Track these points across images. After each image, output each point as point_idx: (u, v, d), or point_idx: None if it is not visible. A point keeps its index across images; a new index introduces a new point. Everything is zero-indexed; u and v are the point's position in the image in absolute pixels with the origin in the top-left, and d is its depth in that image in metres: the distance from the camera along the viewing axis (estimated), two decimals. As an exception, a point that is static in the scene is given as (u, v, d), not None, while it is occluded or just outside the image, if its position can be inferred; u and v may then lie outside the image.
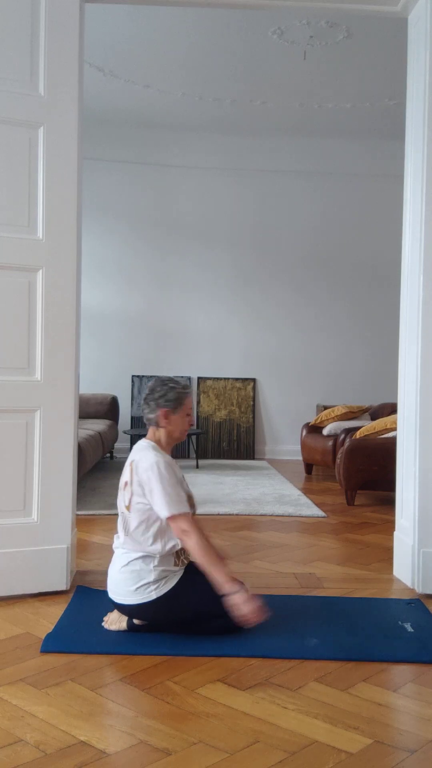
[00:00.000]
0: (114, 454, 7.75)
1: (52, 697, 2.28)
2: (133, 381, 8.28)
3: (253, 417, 8.38)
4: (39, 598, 3.22)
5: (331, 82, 6.45)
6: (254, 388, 8.41)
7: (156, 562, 2.75)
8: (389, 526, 4.55)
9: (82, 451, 5.16)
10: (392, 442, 4.29)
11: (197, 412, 8.32)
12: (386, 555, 3.99)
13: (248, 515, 5.09)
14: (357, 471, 5.48)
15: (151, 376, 8.04)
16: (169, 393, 2.85)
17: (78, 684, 2.37)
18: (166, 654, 2.61)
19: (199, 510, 3.09)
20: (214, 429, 8.33)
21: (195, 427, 8.20)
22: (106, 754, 1.95)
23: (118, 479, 2.99)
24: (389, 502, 5.35)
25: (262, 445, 8.44)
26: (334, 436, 6.58)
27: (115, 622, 2.83)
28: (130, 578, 2.75)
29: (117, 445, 7.79)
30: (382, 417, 6.57)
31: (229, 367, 8.43)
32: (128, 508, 2.78)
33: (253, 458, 8.26)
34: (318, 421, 7.14)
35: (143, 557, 2.75)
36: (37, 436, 3.27)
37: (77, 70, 3.34)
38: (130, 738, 2.04)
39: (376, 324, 8.29)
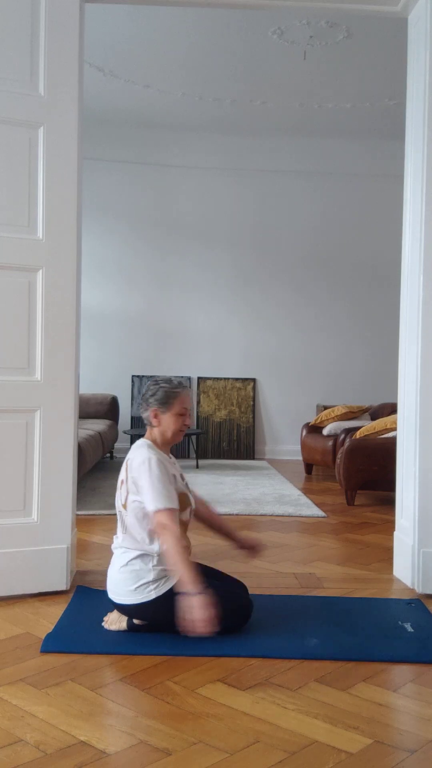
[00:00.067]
0: (114, 454, 7.75)
1: (52, 697, 2.28)
2: (133, 381, 8.29)
3: (253, 417, 8.38)
4: (39, 598, 3.22)
5: (331, 82, 6.45)
6: (254, 388, 8.42)
7: (155, 562, 2.75)
8: (389, 526, 4.55)
9: (82, 451, 5.16)
10: (392, 442, 4.29)
11: (197, 412, 8.32)
12: (386, 555, 3.99)
13: (248, 515, 5.09)
14: (357, 471, 5.48)
15: (151, 376, 8.04)
16: (158, 392, 2.85)
17: (78, 684, 2.37)
18: (166, 654, 2.61)
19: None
20: (214, 429, 8.33)
21: (195, 427, 8.20)
22: (106, 754, 1.95)
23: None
24: (389, 502, 5.35)
25: (262, 445, 8.44)
26: (334, 436, 6.59)
27: (115, 622, 2.83)
28: (130, 578, 2.75)
29: (117, 445, 7.79)
30: (382, 417, 6.57)
31: (229, 367, 8.43)
32: (125, 506, 2.79)
33: (253, 458, 8.27)
34: (318, 421, 7.14)
35: (142, 556, 2.75)
36: (37, 436, 3.27)
37: (77, 70, 3.35)
38: (130, 738, 2.04)
39: (376, 324, 8.29)
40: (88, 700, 2.27)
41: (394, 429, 5.43)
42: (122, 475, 2.84)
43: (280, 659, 2.59)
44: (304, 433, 7.16)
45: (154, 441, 2.87)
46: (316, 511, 5.22)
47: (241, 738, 2.05)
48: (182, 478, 2.95)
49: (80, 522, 4.39)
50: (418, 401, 3.45)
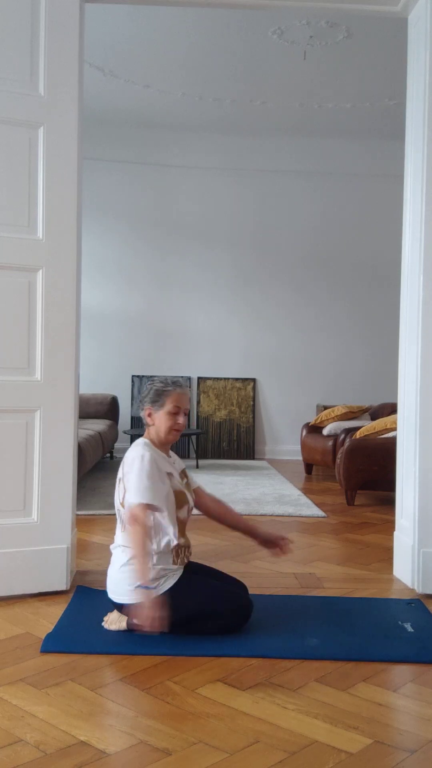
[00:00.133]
0: (114, 454, 7.75)
1: (52, 697, 2.28)
2: (133, 381, 8.29)
3: (253, 417, 8.38)
4: (39, 598, 3.22)
5: (331, 82, 6.45)
6: (254, 388, 8.41)
7: (154, 561, 2.75)
8: (389, 526, 4.55)
9: (82, 451, 5.16)
10: (392, 442, 4.29)
11: (197, 412, 8.32)
12: (386, 555, 3.99)
13: (248, 515, 5.08)
14: (357, 471, 5.48)
15: (151, 376, 8.03)
16: (151, 391, 2.87)
17: (78, 684, 2.37)
18: (166, 654, 2.61)
19: (197, 511, 3.08)
20: (214, 429, 8.33)
21: (195, 427, 8.21)
22: (106, 754, 1.95)
23: (118, 479, 3.00)
24: (389, 502, 5.35)
25: (262, 445, 8.44)
26: (334, 436, 6.58)
27: (115, 622, 2.83)
28: (130, 577, 2.74)
29: (117, 445, 7.79)
30: (382, 417, 6.57)
31: (229, 367, 8.43)
32: (122, 504, 2.80)
33: (253, 458, 8.27)
34: (318, 421, 7.14)
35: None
36: (37, 436, 3.27)
37: (77, 70, 3.35)
38: (130, 738, 2.04)
39: (376, 324, 8.29)
40: (88, 700, 2.27)
41: (394, 429, 5.43)
42: (120, 474, 2.85)
43: (280, 659, 2.59)
44: (304, 433, 7.16)
45: (151, 440, 2.88)
46: (316, 511, 5.22)
47: (241, 738, 2.05)
48: (183, 477, 2.95)
49: (80, 522, 4.39)
50: (418, 401, 3.45)
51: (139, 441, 2.87)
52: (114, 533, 2.92)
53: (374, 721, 2.16)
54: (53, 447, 3.30)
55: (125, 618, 2.81)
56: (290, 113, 7.19)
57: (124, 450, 2.99)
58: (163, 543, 2.75)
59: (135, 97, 6.89)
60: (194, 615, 2.75)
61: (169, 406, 2.83)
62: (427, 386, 3.43)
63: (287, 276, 8.41)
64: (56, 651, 2.63)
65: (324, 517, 5.08)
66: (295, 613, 3.07)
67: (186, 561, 2.87)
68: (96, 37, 5.38)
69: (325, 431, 6.89)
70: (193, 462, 7.60)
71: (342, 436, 6.22)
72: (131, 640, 2.72)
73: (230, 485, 6.28)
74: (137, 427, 7.78)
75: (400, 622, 2.98)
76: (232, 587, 2.94)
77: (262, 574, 3.64)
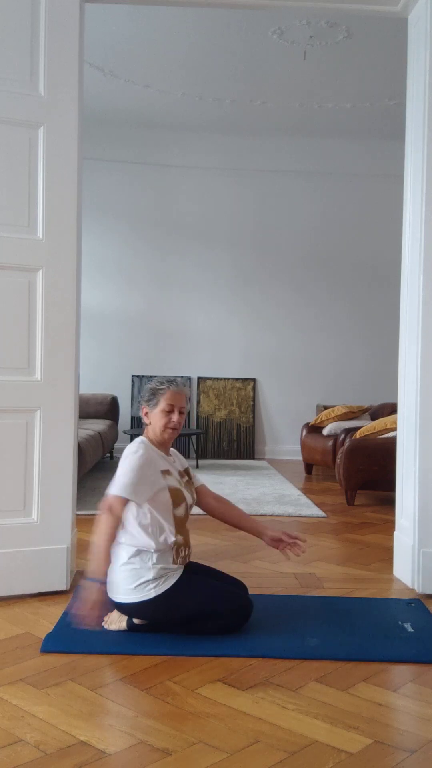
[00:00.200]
0: (114, 454, 7.75)
1: (52, 697, 2.28)
2: (133, 381, 8.29)
3: (253, 417, 8.38)
4: (39, 598, 3.22)
5: (331, 82, 6.45)
6: (254, 388, 8.41)
7: (154, 560, 2.75)
8: (389, 526, 4.55)
9: (82, 451, 5.16)
10: (392, 442, 4.29)
11: (197, 412, 8.32)
12: (386, 555, 3.99)
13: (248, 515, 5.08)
14: (357, 471, 5.48)
15: (151, 376, 8.04)
16: (147, 390, 2.90)
17: (78, 684, 2.37)
18: (166, 654, 2.61)
19: (198, 510, 3.08)
20: (214, 429, 8.33)
21: (195, 427, 8.21)
22: (106, 754, 1.95)
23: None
24: (389, 502, 5.35)
25: (262, 445, 8.44)
26: (334, 436, 6.59)
27: (114, 622, 2.83)
28: (130, 576, 2.75)
29: (117, 445, 7.79)
30: (382, 417, 6.57)
31: (229, 367, 8.43)
32: None
33: (253, 458, 8.27)
34: (318, 421, 7.14)
35: (140, 553, 2.75)
36: (37, 436, 3.27)
37: (77, 70, 3.34)
38: (130, 738, 2.04)
39: (376, 324, 8.29)
40: (88, 700, 2.27)
41: (394, 429, 5.43)
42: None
43: (280, 659, 2.59)
44: (304, 433, 7.16)
45: (150, 439, 2.90)
46: (316, 511, 5.22)
47: (241, 738, 2.05)
48: (183, 476, 2.95)
49: (80, 522, 4.38)
50: (418, 401, 3.45)
51: (138, 439, 2.89)
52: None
53: (374, 721, 2.16)
54: (53, 447, 3.30)
55: (125, 618, 2.81)
56: (290, 113, 7.19)
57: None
58: (161, 539, 2.76)
59: (135, 97, 6.89)
60: (194, 615, 2.75)
61: (163, 404, 2.85)
62: (427, 386, 3.43)
63: (287, 276, 8.41)
64: (56, 651, 2.63)
65: (324, 517, 5.08)
66: (295, 613, 3.07)
67: (186, 560, 2.87)
68: (96, 37, 5.38)
69: (325, 431, 6.89)
70: (193, 462, 7.60)
71: (342, 436, 6.22)
72: (131, 640, 2.72)
73: (230, 485, 6.28)
74: (137, 427, 7.78)
75: (400, 622, 2.98)
76: (232, 587, 2.94)
77: (262, 574, 3.64)
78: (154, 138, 7.98)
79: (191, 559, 2.96)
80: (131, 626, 2.79)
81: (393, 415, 5.66)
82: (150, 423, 2.89)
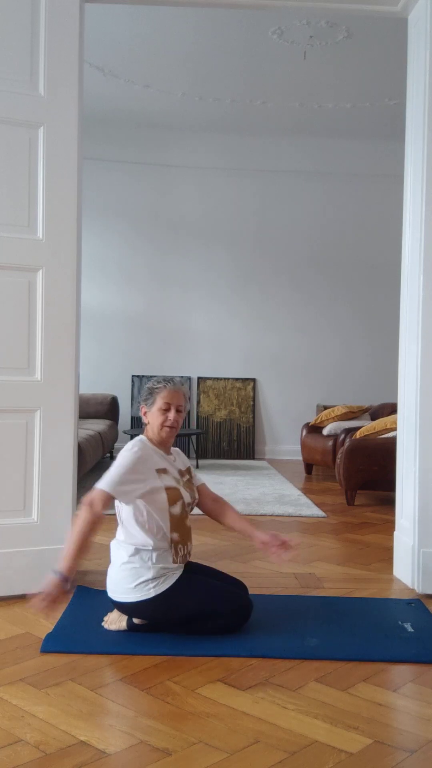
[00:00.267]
0: (114, 454, 7.75)
1: (52, 697, 2.28)
2: (133, 381, 8.29)
3: (253, 417, 8.38)
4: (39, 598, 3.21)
5: (331, 82, 6.45)
6: (254, 388, 8.41)
7: (154, 559, 2.75)
8: (389, 526, 4.55)
9: (82, 451, 5.16)
10: (392, 442, 4.29)
11: (197, 412, 8.32)
12: (386, 555, 3.99)
13: (248, 515, 5.08)
14: (357, 471, 5.48)
15: (151, 376, 8.04)
16: (145, 390, 2.92)
17: (78, 684, 2.37)
18: (166, 654, 2.61)
19: (197, 510, 3.08)
20: (214, 429, 8.33)
21: (195, 427, 8.21)
22: (106, 754, 1.95)
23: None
24: (389, 502, 5.35)
25: (262, 445, 8.44)
26: (334, 436, 6.59)
27: (114, 622, 2.83)
28: (129, 575, 2.75)
29: (117, 445, 7.80)
30: (382, 417, 6.57)
31: (229, 367, 8.43)
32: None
33: (253, 458, 8.27)
34: (318, 421, 7.14)
35: (140, 552, 2.75)
36: (37, 436, 3.27)
37: (77, 70, 3.35)
38: (130, 738, 2.04)
39: (375, 324, 8.29)
40: (88, 700, 2.27)
41: (394, 429, 5.43)
42: None
43: (280, 659, 2.59)
44: (304, 433, 7.16)
45: (149, 438, 2.90)
46: (316, 511, 5.22)
47: (241, 738, 2.05)
48: (184, 474, 2.94)
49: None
50: (418, 401, 3.45)
51: (137, 437, 2.90)
52: (114, 533, 2.92)
53: (374, 721, 2.16)
54: (53, 447, 3.30)
55: (125, 618, 2.81)
56: (290, 113, 7.19)
57: (124, 450, 3.00)
58: (159, 536, 2.76)
59: (135, 97, 6.89)
60: (194, 615, 2.75)
61: (160, 402, 2.86)
62: (427, 386, 3.43)
63: (287, 276, 8.41)
64: (56, 651, 2.63)
65: (324, 517, 5.08)
66: (295, 613, 3.07)
67: (186, 559, 2.87)
68: (96, 37, 5.38)
69: (325, 431, 6.89)
70: (193, 462, 7.59)
71: (342, 436, 6.22)
72: (131, 640, 2.72)
73: (230, 485, 6.28)
74: (137, 427, 7.78)
75: (400, 622, 2.98)
76: (232, 587, 2.94)
77: (262, 574, 3.64)
78: (154, 138, 7.98)
79: (191, 559, 2.95)
80: (131, 626, 2.80)
81: (393, 415, 5.66)
82: (149, 422, 2.90)
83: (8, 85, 3.19)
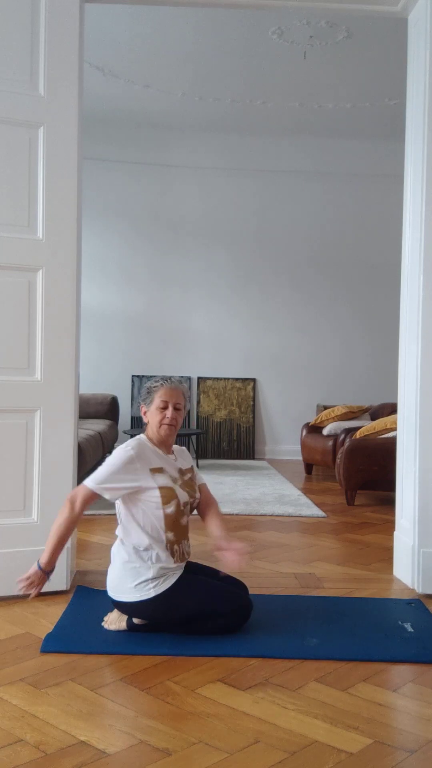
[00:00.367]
0: (114, 454, 7.74)
1: (52, 697, 2.28)
2: (133, 381, 8.29)
3: (253, 417, 8.38)
4: (39, 598, 3.20)
5: (331, 82, 6.45)
6: (254, 388, 8.41)
7: (154, 559, 2.75)
8: (389, 526, 4.55)
9: (82, 451, 5.16)
10: (392, 442, 4.29)
11: (197, 412, 8.32)
12: (386, 555, 3.99)
13: (248, 515, 5.09)
14: (357, 471, 5.48)
15: (151, 376, 8.03)
16: (144, 389, 2.94)
17: (78, 684, 2.37)
18: (166, 654, 2.61)
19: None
20: (214, 429, 8.33)
21: (195, 427, 8.21)
22: (106, 754, 1.95)
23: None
24: (389, 502, 5.35)
25: (262, 445, 8.44)
26: (334, 436, 6.59)
27: (114, 622, 2.83)
28: (130, 575, 2.75)
29: (117, 445, 7.78)
30: (382, 417, 6.57)
31: (229, 367, 8.43)
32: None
33: (253, 458, 8.27)
34: (318, 421, 7.14)
35: (139, 552, 2.76)
36: (37, 436, 3.27)
37: (77, 70, 3.35)
38: (130, 738, 2.04)
39: (375, 324, 8.29)
40: (88, 700, 2.27)
41: (394, 429, 5.43)
42: None
43: (280, 659, 2.59)
44: (304, 433, 7.16)
45: (149, 438, 2.91)
46: (316, 511, 5.22)
47: (241, 738, 2.05)
48: (185, 473, 2.94)
49: (80, 522, 4.38)
50: (418, 401, 3.45)
51: (135, 437, 2.91)
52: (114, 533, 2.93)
53: (374, 721, 2.16)
54: (53, 447, 3.30)
55: (125, 618, 2.81)
56: (290, 113, 7.19)
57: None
58: (154, 536, 2.76)
59: (135, 97, 6.89)
60: (194, 615, 2.75)
61: (158, 401, 2.87)
62: (427, 386, 3.43)
63: (287, 276, 8.42)
64: (56, 651, 2.63)
65: (324, 517, 5.08)
66: (295, 613, 3.07)
67: (185, 558, 2.87)
68: (96, 37, 5.38)
69: (325, 431, 6.89)
70: (193, 462, 7.59)
71: (342, 436, 6.22)
72: (131, 640, 2.72)
73: (230, 485, 6.28)
74: (137, 427, 7.78)
75: (400, 622, 2.98)
76: (232, 587, 2.94)
77: (262, 574, 3.64)
78: (154, 138, 7.97)
79: (191, 559, 2.95)
80: (131, 626, 2.80)
81: (393, 415, 5.66)
82: (148, 421, 2.90)
83: (8, 85, 3.19)
